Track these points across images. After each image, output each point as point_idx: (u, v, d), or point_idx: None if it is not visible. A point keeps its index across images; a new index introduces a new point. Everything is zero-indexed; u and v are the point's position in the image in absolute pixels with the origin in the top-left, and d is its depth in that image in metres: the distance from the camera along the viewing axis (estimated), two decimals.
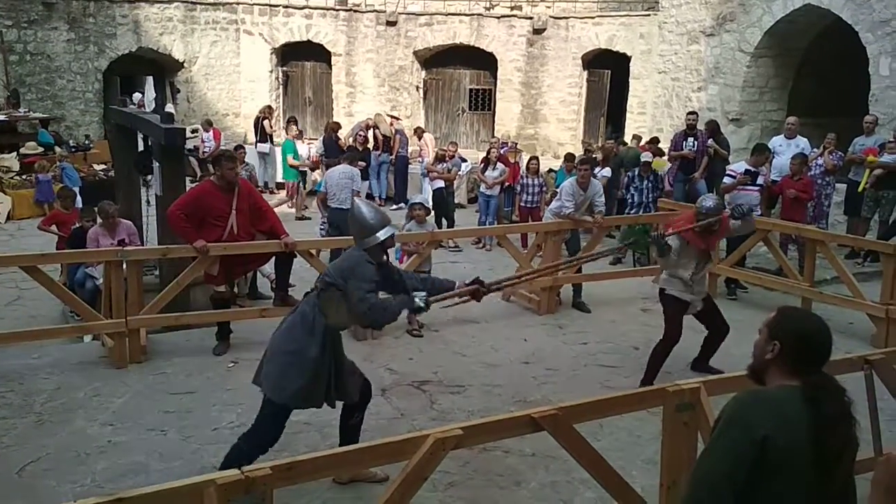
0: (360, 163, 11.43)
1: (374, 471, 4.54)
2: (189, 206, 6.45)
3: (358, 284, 4.33)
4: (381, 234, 4.51)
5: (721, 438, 2.27)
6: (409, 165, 14.90)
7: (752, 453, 2.19)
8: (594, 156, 12.40)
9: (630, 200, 10.72)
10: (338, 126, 14.98)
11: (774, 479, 2.20)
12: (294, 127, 15.12)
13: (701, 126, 11.76)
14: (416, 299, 4.42)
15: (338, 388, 4.45)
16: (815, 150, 10.45)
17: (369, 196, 13.74)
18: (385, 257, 4.65)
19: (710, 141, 11.47)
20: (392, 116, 16.00)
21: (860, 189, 9.96)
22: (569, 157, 12.06)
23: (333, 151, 13.67)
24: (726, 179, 9.23)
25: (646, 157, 11.10)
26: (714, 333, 6.49)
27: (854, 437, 2.30)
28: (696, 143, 11.42)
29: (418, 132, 15.66)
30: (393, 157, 14.75)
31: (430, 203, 10.59)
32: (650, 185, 10.66)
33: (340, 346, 4.55)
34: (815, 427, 2.21)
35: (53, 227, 9.00)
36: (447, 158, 12.35)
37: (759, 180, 8.99)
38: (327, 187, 9.68)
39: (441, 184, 12.02)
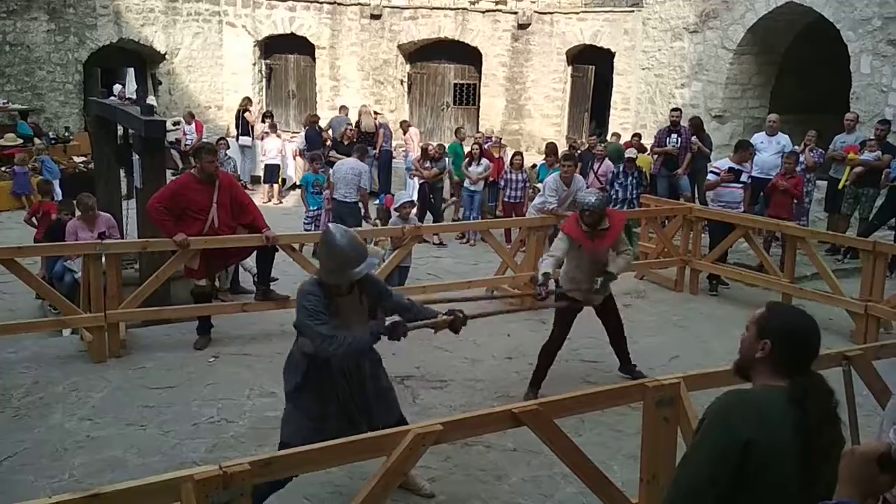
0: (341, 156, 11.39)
1: (424, 484, 4.43)
2: (169, 198, 6.40)
3: (304, 322, 3.87)
4: (357, 272, 3.95)
5: (704, 441, 2.25)
6: (394, 160, 14.86)
7: (735, 457, 2.17)
8: (579, 151, 12.42)
9: (614, 196, 10.74)
10: (317, 118, 14.91)
11: (758, 482, 2.18)
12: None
13: (684, 122, 11.82)
14: (377, 329, 3.97)
15: (353, 418, 4.07)
16: (796, 147, 10.52)
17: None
18: (344, 294, 4.05)
19: (693, 138, 11.53)
20: (375, 112, 15.92)
21: (840, 186, 10.04)
22: (551, 151, 12.04)
23: (316, 144, 13.62)
24: (710, 177, 9.29)
25: (630, 153, 11.12)
26: (611, 335, 6.27)
27: (840, 438, 2.28)
28: (679, 139, 11.47)
29: (404, 126, 15.52)
30: (377, 151, 14.69)
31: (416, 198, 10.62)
32: (634, 181, 10.69)
33: (359, 374, 4.15)
34: (800, 429, 2.19)
35: (35, 219, 8.89)
36: (434, 158, 12.19)
37: (743, 177, 9.05)
38: (334, 180, 9.67)
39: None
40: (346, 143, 13.23)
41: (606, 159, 11.39)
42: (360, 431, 3.87)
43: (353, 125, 14.58)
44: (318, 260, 4.22)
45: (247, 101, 16.45)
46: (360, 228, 8.31)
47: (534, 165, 12.87)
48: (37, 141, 14.45)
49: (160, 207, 6.30)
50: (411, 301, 4.50)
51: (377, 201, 13.76)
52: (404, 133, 15.23)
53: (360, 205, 9.65)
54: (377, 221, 9.00)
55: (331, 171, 10.11)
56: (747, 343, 2.43)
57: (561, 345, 6.04)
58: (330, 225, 4.34)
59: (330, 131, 14.50)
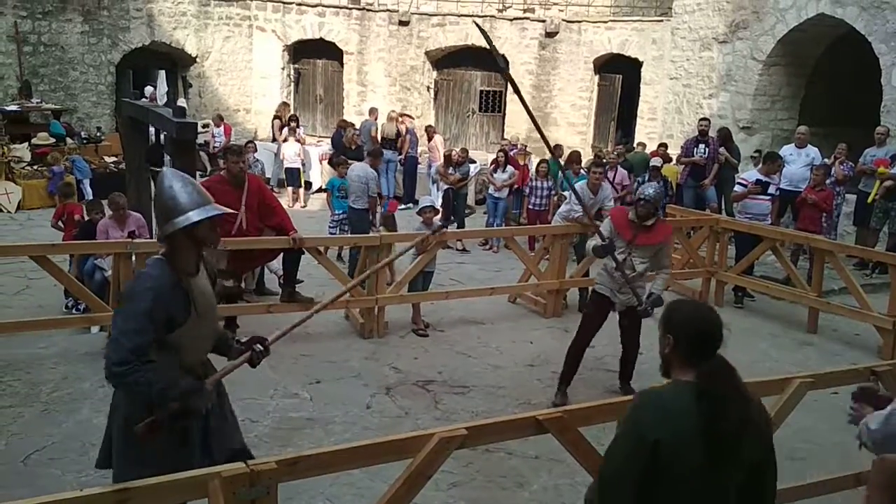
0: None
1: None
2: None
3: (117, 324, 3.06)
4: (195, 215, 3.14)
5: (618, 442, 2.48)
6: (419, 165, 14.89)
7: (644, 455, 2.35)
8: (605, 161, 12.34)
9: None
10: (346, 124, 14.98)
11: (669, 475, 2.35)
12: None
13: (712, 133, 11.75)
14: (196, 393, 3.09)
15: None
16: (825, 160, 10.42)
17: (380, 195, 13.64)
18: (199, 261, 3.30)
19: (721, 149, 11.45)
20: (406, 115, 15.94)
21: (870, 200, 9.93)
22: (575, 159, 12.00)
23: (339, 149, 13.75)
24: (737, 188, 9.23)
25: (655, 161, 11.08)
26: (624, 348, 6.21)
27: (753, 421, 2.41)
28: (707, 149, 11.40)
29: (429, 132, 15.45)
30: (402, 156, 14.75)
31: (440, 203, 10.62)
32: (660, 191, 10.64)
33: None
34: (706, 417, 2.32)
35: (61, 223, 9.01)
36: (457, 164, 12.21)
37: (771, 189, 8.98)
38: (347, 185, 9.73)
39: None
40: (353, 147, 13.28)
41: (619, 167, 11.34)
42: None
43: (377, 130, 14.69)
44: (156, 220, 3.34)
45: (282, 107, 16.67)
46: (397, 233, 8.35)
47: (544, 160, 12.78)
48: (69, 140, 14.68)
49: None
50: (227, 333, 3.75)
51: (401, 207, 13.83)
52: (429, 140, 15.15)
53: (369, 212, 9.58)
54: (381, 228, 8.96)
55: (334, 178, 10.21)
56: (659, 341, 2.62)
57: (586, 343, 6.04)
58: (164, 169, 3.63)
59: (353, 136, 14.51)
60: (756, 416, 2.47)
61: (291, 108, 19.15)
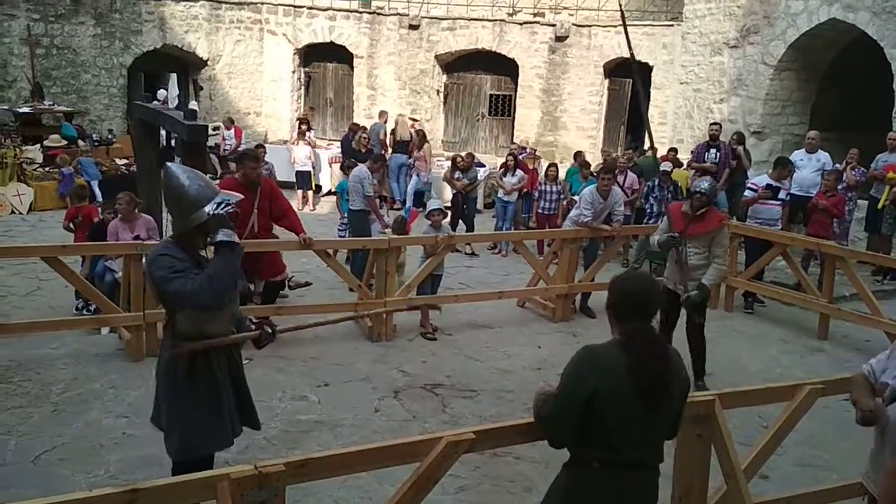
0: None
1: None
2: None
3: (164, 281, 3.43)
4: (209, 208, 3.50)
5: (562, 386, 2.80)
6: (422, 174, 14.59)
7: (582, 400, 2.70)
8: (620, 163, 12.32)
9: (649, 210, 10.68)
10: (356, 128, 14.99)
11: (604, 421, 2.70)
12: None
13: (724, 138, 11.71)
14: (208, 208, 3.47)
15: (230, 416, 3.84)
16: (837, 165, 10.37)
17: (385, 198, 13.65)
18: (201, 249, 3.67)
19: (739, 149, 11.42)
20: (413, 119, 15.94)
21: (879, 206, 9.87)
22: (585, 165, 12.03)
23: (348, 152, 13.79)
24: (747, 193, 9.20)
25: (665, 166, 11.04)
26: (690, 345, 6.49)
27: (674, 374, 2.75)
28: (718, 154, 11.36)
29: (419, 136, 14.56)
30: (412, 160, 14.75)
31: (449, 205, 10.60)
32: (669, 195, 10.62)
33: (233, 369, 3.87)
34: (629, 370, 2.67)
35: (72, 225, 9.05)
36: (464, 169, 12.17)
37: (781, 194, 8.94)
38: (347, 186, 9.74)
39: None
40: (363, 151, 13.26)
41: (629, 171, 11.32)
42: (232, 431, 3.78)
43: (389, 133, 14.64)
44: (171, 214, 3.70)
45: (309, 111, 16.86)
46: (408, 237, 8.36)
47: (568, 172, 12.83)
48: (81, 143, 14.77)
49: None
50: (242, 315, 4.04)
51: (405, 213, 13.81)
52: (419, 149, 14.23)
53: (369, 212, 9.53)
54: (388, 231, 8.93)
55: (344, 180, 10.26)
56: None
57: (668, 340, 6.14)
58: (169, 164, 3.88)
59: (361, 138, 14.49)
60: (677, 374, 2.79)
61: (301, 111, 19.22)
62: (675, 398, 2.83)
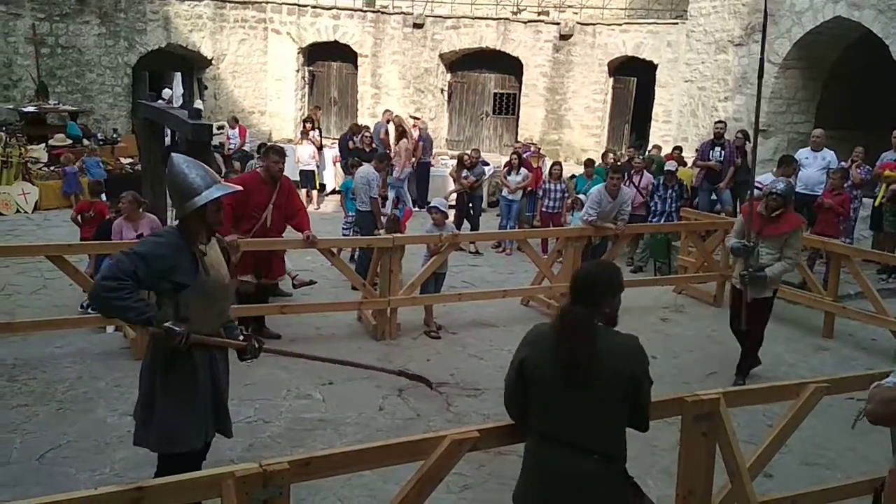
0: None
1: None
2: (236, 194, 6.59)
3: (117, 256, 3.48)
4: (205, 196, 3.55)
5: (512, 358, 3.07)
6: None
7: (517, 368, 3.00)
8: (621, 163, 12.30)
9: (654, 209, 10.67)
10: (357, 128, 14.94)
11: (532, 387, 2.96)
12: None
13: (728, 136, 11.68)
14: (169, 323, 3.45)
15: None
16: (843, 163, 10.33)
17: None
18: (209, 235, 3.69)
19: (747, 145, 11.39)
20: (415, 118, 15.88)
21: (876, 204, 9.83)
22: (588, 164, 12.04)
23: (345, 152, 13.81)
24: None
25: (670, 165, 11.03)
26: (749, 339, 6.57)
27: (604, 359, 2.81)
28: (723, 152, 11.33)
29: (397, 131, 14.29)
30: (414, 161, 14.69)
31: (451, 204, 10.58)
32: (674, 193, 10.61)
33: (215, 368, 3.81)
34: (553, 345, 2.89)
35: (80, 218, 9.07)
36: (470, 167, 12.16)
37: None
38: (354, 187, 9.75)
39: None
40: (366, 150, 13.22)
41: (645, 171, 11.30)
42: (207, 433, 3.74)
43: (390, 132, 14.59)
44: (174, 203, 3.74)
45: (314, 110, 16.87)
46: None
47: (572, 176, 12.83)
48: (85, 142, 14.80)
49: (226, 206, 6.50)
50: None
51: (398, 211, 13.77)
52: (395, 143, 13.94)
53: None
54: (381, 232, 8.91)
55: (349, 179, 10.26)
56: None
57: (735, 328, 6.48)
58: (172, 154, 3.88)
59: (363, 137, 14.45)
60: (610, 361, 2.83)
61: (305, 110, 19.24)
62: (609, 385, 2.83)
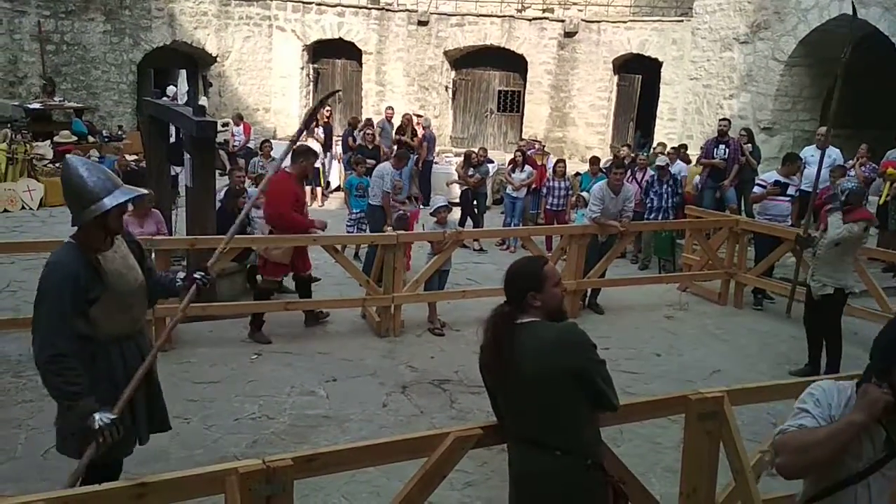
0: (369, 161, 11.35)
1: None
2: (294, 200, 7.01)
3: (41, 321, 3.23)
4: (109, 202, 3.27)
5: None
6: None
7: (482, 375, 3.09)
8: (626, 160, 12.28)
9: (650, 205, 10.64)
10: (356, 121, 14.94)
11: (492, 390, 3.09)
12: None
13: (732, 133, 11.64)
14: (98, 416, 3.23)
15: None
16: (849, 161, 10.30)
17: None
18: (102, 248, 3.37)
19: (748, 146, 11.35)
20: (419, 116, 15.87)
21: (880, 202, 9.80)
22: (594, 161, 12.04)
23: (346, 148, 13.82)
24: (756, 189, 9.14)
25: (661, 160, 10.97)
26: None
27: (527, 357, 2.77)
28: (727, 150, 11.29)
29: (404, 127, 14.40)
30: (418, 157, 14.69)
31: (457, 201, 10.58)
32: (669, 189, 10.57)
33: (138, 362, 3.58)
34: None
35: None
36: (476, 164, 12.15)
37: (790, 191, 8.89)
38: (370, 183, 9.80)
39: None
40: (369, 147, 13.18)
41: (649, 168, 11.28)
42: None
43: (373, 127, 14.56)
44: (70, 209, 3.41)
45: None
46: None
47: (577, 174, 12.83)
48: (90, 138, 14.83)
49: (290, 210, 6.85)
50: (171, 276, 3.91)
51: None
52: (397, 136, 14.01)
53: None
54: (388, 229, 8.91)
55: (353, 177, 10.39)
56: None
57: (809, 321, 6.84)
58: (68, 156, 3.70)
59: (366, 134, 14.43)
60: (533, 357, 2.78)
61: (310, 107, 19.23)
62: (552, 380, 2.77)
